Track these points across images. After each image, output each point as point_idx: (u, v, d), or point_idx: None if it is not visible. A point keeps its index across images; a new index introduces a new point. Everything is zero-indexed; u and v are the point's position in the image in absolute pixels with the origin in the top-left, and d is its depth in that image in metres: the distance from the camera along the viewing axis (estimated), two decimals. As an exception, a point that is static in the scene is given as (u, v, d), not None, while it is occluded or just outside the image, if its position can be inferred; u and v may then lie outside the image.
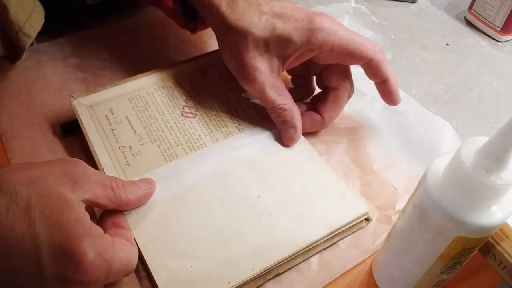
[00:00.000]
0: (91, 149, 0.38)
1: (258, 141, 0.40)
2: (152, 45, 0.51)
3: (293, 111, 0.39)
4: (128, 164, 0.38)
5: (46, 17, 0.45)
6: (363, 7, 0.56)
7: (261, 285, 0.33)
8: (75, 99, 0.41)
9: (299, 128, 0.40)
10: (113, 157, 0.38)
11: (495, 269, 0.28)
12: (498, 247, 0.28)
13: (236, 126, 0.41)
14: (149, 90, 0.43)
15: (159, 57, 0.50)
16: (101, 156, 0.38)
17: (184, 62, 0.46)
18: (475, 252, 0.28)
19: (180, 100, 0.43)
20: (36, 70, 0.47)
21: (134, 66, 0.48)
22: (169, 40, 0.52)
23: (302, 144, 0.41)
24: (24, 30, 0.43)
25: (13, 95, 0.44)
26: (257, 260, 0.33)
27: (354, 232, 0.37)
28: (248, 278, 0.32)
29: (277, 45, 0.38)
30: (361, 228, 0.37)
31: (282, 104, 0.39)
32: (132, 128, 0.40)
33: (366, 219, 0.37)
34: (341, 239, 0.36)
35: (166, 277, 0.32)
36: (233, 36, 0.38)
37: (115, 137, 0.39)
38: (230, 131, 0.41)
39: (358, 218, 0.36)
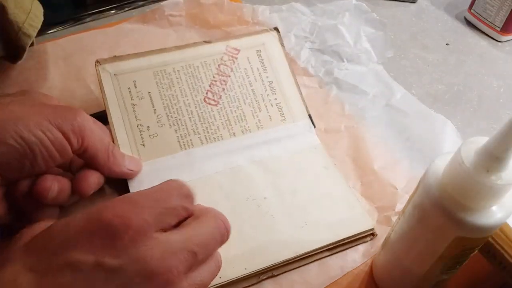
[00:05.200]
0: (110, 122, 0.38)
1: (275, 142, 0.40)
2: (152, 45, 0.51)
3: None
4: (143, 145, 0.37)
5: (45, 16, 0.45)
6: (364, 5, 0.56)
7: (255, 283, 0.33)
8: (101, 64, 0.40)
9: None
10: (130, 135, 0.38)
11: (495, 269, 0.28)
12: (498, 247, 0.28)
13: (256, 123, 0.41)
14: (176, 67, 0.41)
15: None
16: (119, 131, 0.37)
17: (214, 42, 0.44)
18: (475, 252, 0.28)
19: (205, 83, 0.41)
20: (37, 70, 0.47)
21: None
22: (169, 39, 0.52)
23: (317, 151, 0.41)
24: (24, 30, 0.43)
25: (14, 95, 0.44)
26: (252, 260, 0.33)
27: (356, 245, 0.36)
28: (240, 276, 0.32)
29: None
30: (364, 242, 0.36)
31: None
32: (153, 107, 0.39)
33: (372, 234, 0.37)
34: (342, 250, 0.36)
35: None
36: None
37: (134, 113, 0.39)
38: (249, 127, 0.40)
39: (362, 233, 0.36)
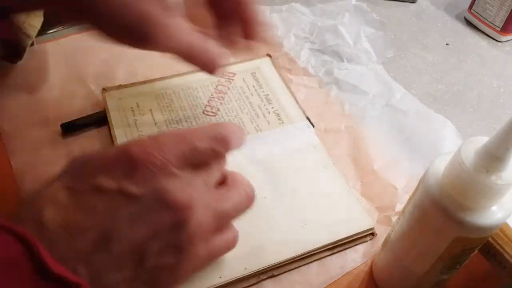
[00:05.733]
0: (112, 134, 0.40)
1: (275, 143, 0.41)
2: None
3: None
4: None
5: (45, 16, 0.45)
6: (364, 5, 0.56)
7: (255, 283, 0.33)
8: (107, 91, 0.43)
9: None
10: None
11: (495, 269, 0.28)
12: (498, 247, 0.28)
13: (255, 127, 0.42)
14: (176, 89, 0.45)
15: (162, 58, 0.49)
16: (120, 141, 0.40)
17: None
18: (475, 252, 0.28)
19: (204, 100, 0.44)
20: (37, 71, 0.47)
21: (136, 66, 0.48)
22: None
23: (317, 150, 0.41)
24: (24, 30, 0.43)
25: (14, 95, 0.44)
26: (252, 260, 0.33)
27: (356, 245, 0.36)
28: (240, 276, 0.32)
29: None
30: (364, 242, 0.36)
31: None
32: (154, 120, 0.42)
33: (371, 233, 0.37)
34: (342, 250, 0.36)
35: None
36: None
37: (136, 126, 0.41)
38: (247, 130, 0.42)
39: (362, 232, 0.36)
